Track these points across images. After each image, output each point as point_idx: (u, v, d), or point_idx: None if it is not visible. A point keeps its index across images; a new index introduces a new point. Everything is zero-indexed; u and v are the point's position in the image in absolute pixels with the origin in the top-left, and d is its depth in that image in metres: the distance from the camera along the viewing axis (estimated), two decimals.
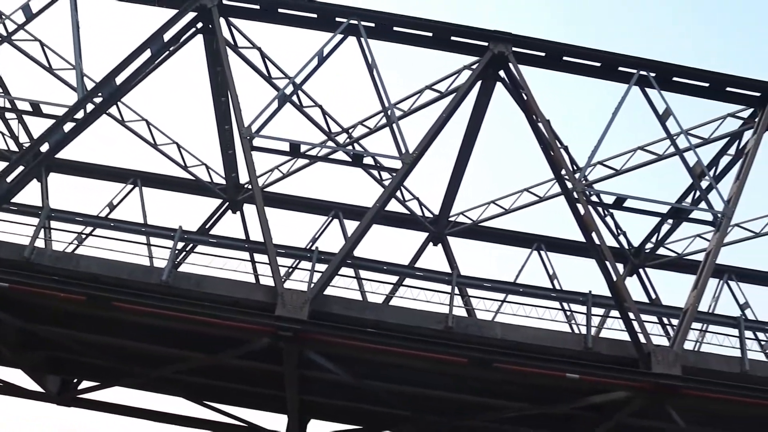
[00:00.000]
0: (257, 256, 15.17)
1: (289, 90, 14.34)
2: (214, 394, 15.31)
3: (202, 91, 16.00)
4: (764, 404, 12.30)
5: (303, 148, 14.11)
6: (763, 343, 16.48)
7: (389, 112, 14.11)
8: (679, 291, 13.34)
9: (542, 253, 17.98)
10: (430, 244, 17.85)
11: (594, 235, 12.56)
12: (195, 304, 11.65)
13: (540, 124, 13.40)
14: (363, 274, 14.81)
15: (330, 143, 15.03)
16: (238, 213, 18.05)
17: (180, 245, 14.15)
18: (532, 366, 11.73)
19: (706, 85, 14.79)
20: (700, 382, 12.02)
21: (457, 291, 13.92)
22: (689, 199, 16.46)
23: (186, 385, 15.08)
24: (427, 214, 17.71)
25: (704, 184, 14.79)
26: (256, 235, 16.08)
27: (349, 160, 14.94)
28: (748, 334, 14.44)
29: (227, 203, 17.96)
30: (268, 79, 14.95)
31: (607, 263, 12.34)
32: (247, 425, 15.72)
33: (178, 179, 18.00)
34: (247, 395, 15.28)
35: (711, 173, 15.57)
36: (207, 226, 17.81)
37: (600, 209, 17.62)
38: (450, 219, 17.79)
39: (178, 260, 14.78)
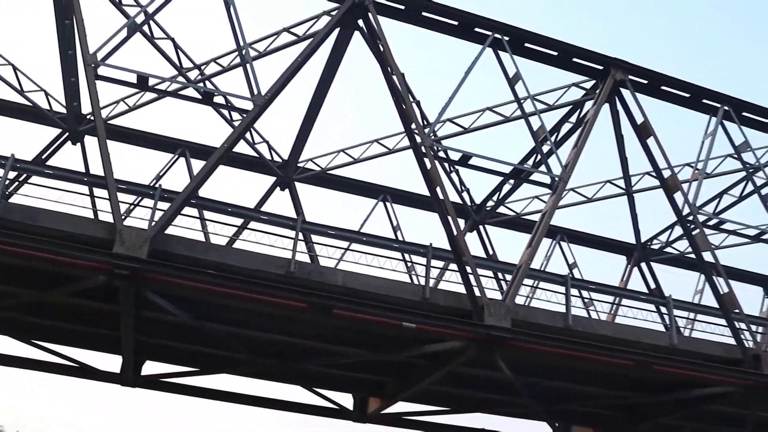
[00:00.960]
0: (97, 191, 14.54)
1: (140, 19, 13.67)
2: (44, 333, 14.61)
3: (46, 11, 14.97)
4: (584, 357, 13.21)
5: (151, 81, 13.57)
6: (586, 300, 17.64)
7: (244, 51, 13.78)
8: (516, 249, 13.96)
9: (388, 204, 18.30)
10: (278, 188, 17.75)
11: (438, 189, 12.86)
12: (27, 238, 11.00)
13: (394, 77, 13.49)
14: (207, 215, 14.51)
15: (180, 79, 14.48)
16: (79, 145, 17.14)
17: (12, 175, 13.35)
18: (371, 314, 11.93)
19: (555, 54, 15.39)
20: (527, 334, 12.71)
21: (301, 237, 13.94)
22: (530, 162, 17.22)
23: (14, 324, 14.31)
24: (276, 158, 17.56)
25: (545, 148, 15.46)
26: (97, 169, 15.36)
27: (200, 97, 14.51)
28: (574, 291, 15.41)
29: (67, 133, 17.00)
30: (118, 5, 14.18)
31: (449, 218, 12.69)
32: (79, 365, 15.16)
33: (14, 104, 16.81)
34: (80, 335, 14.70)
35: (552, 138, 16.34)
36: (44, 156, 16.80)
37: (446, 165, 18.12)
38: (299, 165, 17.74)
39: (9, 191, 13.95)
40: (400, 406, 16.60)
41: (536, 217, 14.84)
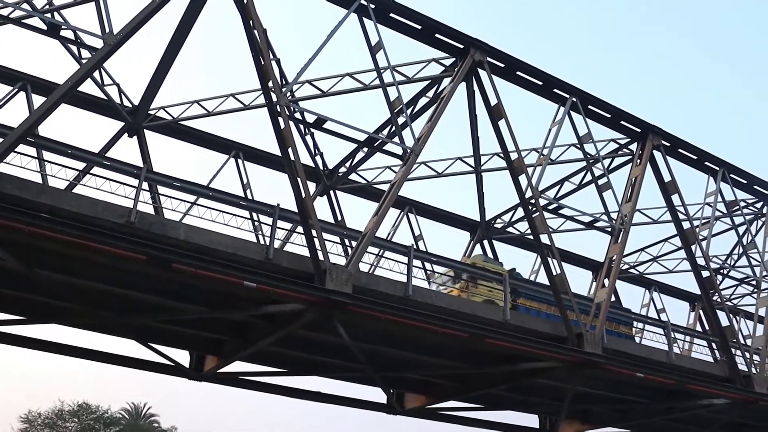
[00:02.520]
0: None
1: None
2: None
3: None
4: (420, 326, 13.57)
5: None
6: (428, 271, 18.12)
7: None
8: (366, 217, 14.04)
9: (240, 161, 17.99)
10: (125, 135, 17.02)
11: (290, 150, 12.72)
12: None
13: (255, 31, 13.17)
14: (46, 156, 13.69)
15: (25, 6, 13.49)
16: None
17: None
18: (212, 270, 11.71)
19: (419, 27, 15.52)
20: (366, 301, 12.90)
21: (146, 187, 13.47)
22: (385, 132, 17.39)
23: None
24: (126, 103, 16.83)
25: (401, 120, 15.63)
26: None
27: (45, 28, 13.62)
28: (417, 263, 15.76)
29: None
30: None
31: (298, 180, 12.61)
32: None
33: None
34: None
35: (408, 111, 16.53)
36: None
37: (302, 127, 18.01)
38: (150, 112, 17.09)
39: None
40: (237, 366, 16.51)
41: (387, 187, 14.99)
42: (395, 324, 13.35)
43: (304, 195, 12.67)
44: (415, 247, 15.65)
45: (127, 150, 16.98)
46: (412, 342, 15.50)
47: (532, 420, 21.93)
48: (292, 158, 12.71)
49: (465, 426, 20.10)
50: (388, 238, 18.86)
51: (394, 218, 20.42)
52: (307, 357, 16.45)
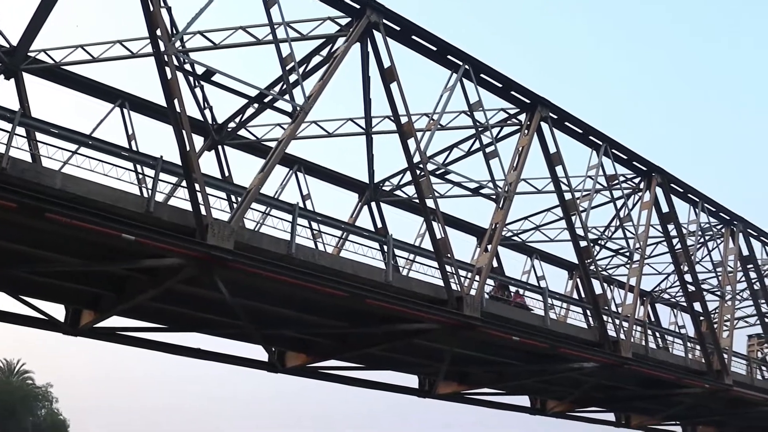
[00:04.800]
0: None
1: None
2: None
3: None
4: (301, 284, 13.59)
5: None
6: (315, 231, 18.16)
7: None
8: (254, 174, 13.84)
9: (125, 110, 17.43)
10: (2, 76, 16.15)
11: (176, 102, 12.39)
12: None
13: None
14: None
15: None
16: None
17: None
18: (88, 221, 11.31)
19: None
20: (247, 257, 12.79)
21: (23, 132, 12.88)
22: (277, 89, 17.17)
23: None
24: (3, 43, 15.95)
25: (293, 78, 15.43)
26: None
27: None
28: (302, 221, 15.77)
29: None
30: None
31: (183, 132, 12.33)
32: None
33: None
34: None
35: (301, 69, 16.35)
36: None
37: (191, 79, 17.57)
38: (29, 54, 16.23)
39: None
40: (115, 321, 16.15)
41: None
42: (276, 282, 13.31)
43: (188, 148, 12.40)
44: (301, 206, 15.59)
45: (3, 93, 16.10)
46: (293, 300, 15.51)
47: (411, 380, 22.42)
48: (178, 110, 12.39)
49: (345, 384, 20.40)
50: (276, 196, 18.75)
51: (283, 176, 20.32)
52: (188, 313, 16.23)
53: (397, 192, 22.22)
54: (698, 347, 24.06)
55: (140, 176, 15.48)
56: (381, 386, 21.12)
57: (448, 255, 16.01)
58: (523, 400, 25.73)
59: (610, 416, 29.70)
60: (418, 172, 16.07)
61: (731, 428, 35.31)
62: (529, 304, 20.41)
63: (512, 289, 20.82)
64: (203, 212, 12.41)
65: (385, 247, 16.92)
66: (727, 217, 25.95)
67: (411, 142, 15.93)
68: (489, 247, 17.50)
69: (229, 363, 18.25)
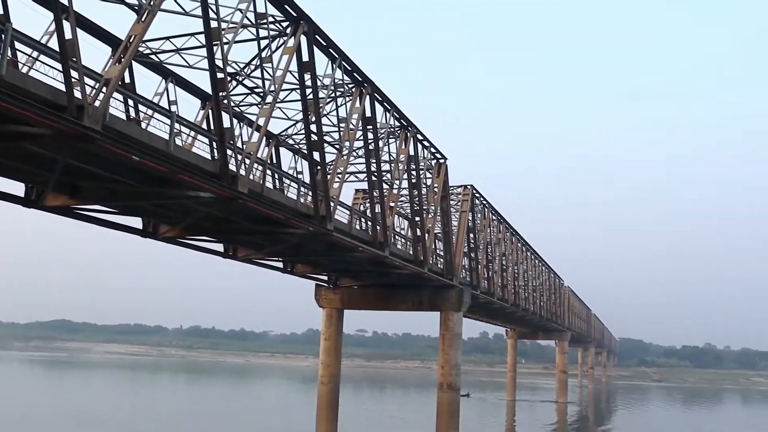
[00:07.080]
0: None
1: None
2: None
3: None
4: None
5: None
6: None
7: None
8: None
9: None
10: None
11: None
12: None
13: None
14: None
15: None
16: None
17: None
18: None
19: None
20: None
21: None
22: None
23: None
24: None
25: None
26: None
27: None
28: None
29: None
30: None
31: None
32: None
33: None
34: None
35: None
36: None
37: None
38: None
39: None
40: None
41: None
42: None
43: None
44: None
45: None
46: None
47: (18, 188, 20.87)
48: None
49: None
50: None
51: None
52: None
53: None
54: (310, 193, 25.61)
55: None
56: None
57: (74, 59, 14.82)
58: (136, 222, 25.53)
59: (219, 247, 30.89)
60: None
61: (325, 268, 39.23)
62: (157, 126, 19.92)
63: None
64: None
65: (2, 36, 15.09)
66: (360, 79, 27.42)
67: None
68: (123, 59, 16.57)
69: None
